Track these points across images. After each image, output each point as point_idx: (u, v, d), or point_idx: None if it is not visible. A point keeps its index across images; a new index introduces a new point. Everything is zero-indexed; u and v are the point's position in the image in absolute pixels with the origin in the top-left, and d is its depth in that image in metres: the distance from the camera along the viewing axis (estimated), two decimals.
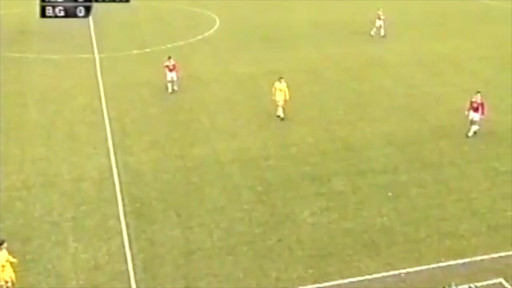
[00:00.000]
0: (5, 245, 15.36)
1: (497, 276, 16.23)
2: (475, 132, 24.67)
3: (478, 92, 24.52)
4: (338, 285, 16.05)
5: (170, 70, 28.97)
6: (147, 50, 36.39)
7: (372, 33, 39.38)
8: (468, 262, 16.90)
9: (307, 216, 19.16)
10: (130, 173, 21.85)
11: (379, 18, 39.29)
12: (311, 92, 29.73)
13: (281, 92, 25.95)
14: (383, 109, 27.71)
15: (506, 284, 15.98)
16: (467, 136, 24.56)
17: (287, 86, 26.08)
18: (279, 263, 16.96)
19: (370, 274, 16.42)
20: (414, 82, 31.36)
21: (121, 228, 18.53)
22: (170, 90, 29.14)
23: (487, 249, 17.45)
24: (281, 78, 26.18)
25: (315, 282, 16.15)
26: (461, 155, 23.25)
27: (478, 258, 17.08)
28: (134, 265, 16.88)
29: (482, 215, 19.31)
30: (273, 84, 26.37)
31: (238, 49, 37.14)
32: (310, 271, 16.64)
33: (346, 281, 16.16)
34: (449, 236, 18.18)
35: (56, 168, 22.18)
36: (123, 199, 20.07)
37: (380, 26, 39.30)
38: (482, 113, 24.35)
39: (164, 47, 36.91)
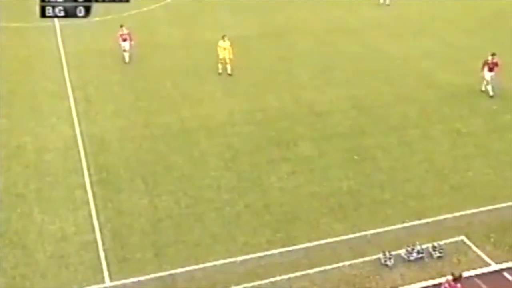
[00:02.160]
0: None
1: (459, 234, 16.72)
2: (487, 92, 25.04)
3: (494, 53, 24.75)
4: (306, 248, 16.31)
5: (124, 40, 28.12)
6: (109, 17, 35.52)
7: (381, 1, 38.79)
8: (432, 222, 17.34)
9: (274, 181, 19.30)
10: (95, 142, 21.59)
11: None
12: (277, 57, 29.61)
13: (225, 50, 26.47)
14: (348, 73, 27.80)
15: (468, 241, 16.48)
16: (490, 96, 24.86)
17: (231, 45, 26.60)
18: (247, 228, 17.11)
19: (338, 236, 16.73)
20: (378, 46, 31.47)
21: (87, 198, 18.41)
22: (127, 60, 28.41)
23: (450, 208, 17.90)
24: (224, 36, 26.63)
25: (283, 245, 16.37)
26: (425, 117, 23.60)
27: (441, 217, 17.53)
28: (102, 234, 16.84)
29: (445, 175, 19.74)
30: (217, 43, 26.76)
31: (202, 14, 36.59)
32: (278, 235, 16.86)
33: (314, 244, 16.43)
34: (413, 197, 18.57)
35: (19, 139, 21.77)
36: (89, 169, 19.88)
37: None
38: (494, 71, 24.65)
39: (126, 14, 36.09)
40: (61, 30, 33.17)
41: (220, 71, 26.92)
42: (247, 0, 39.08)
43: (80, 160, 20.38)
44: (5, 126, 22.74)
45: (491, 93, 24.92)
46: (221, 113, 23.83)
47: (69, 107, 24.19)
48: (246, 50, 28.97)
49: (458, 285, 13.41)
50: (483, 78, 25.05)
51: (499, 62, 24.61)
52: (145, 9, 37.20)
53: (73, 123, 22.87)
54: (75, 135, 21.99)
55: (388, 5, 38.55)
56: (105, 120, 23.18)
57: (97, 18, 35.19)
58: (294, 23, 34.87)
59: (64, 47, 30.75)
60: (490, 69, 24.75)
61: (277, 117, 23.47)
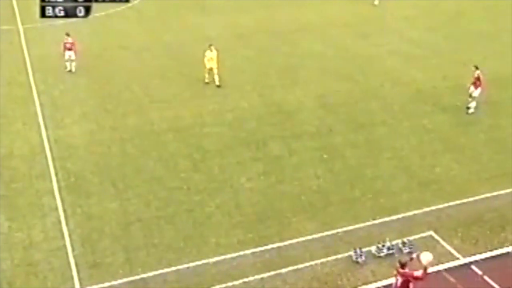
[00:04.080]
0: None
1: (428, 229, 16.99)
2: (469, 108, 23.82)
3: (476, 67, 23.45)
4: (278, 247, 16.35)
5: (69, 49, 27.19)
6: (73, 19, 35.06)
7: (376, 2, 38.81)
8: (401, 218, 17.56)
9: (245, 182, 19.31)
10: (63, 147, 21.29)
11: None
12: (243, 57, 29.66)
13: (212, 60, 25.83)
14: (314, 72, 27.99)
15: (436, 236, 16.75)
16: (467, 112, 23.65)
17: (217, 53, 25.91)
18: (219, 229, 17.09)
19: (309, 234, 16.82)
20: (342, 44, 31.76)
21: (56, 204, 18.13)
22: (68, 68, 27.40)
23: (418, 204, 18.17)
24: (211, 45, 26.00)
25: (255, 246, 16.38)
26: (392, 115, 23.90)
27: (410, 213, 17.78)
28: (71, 240, 16.61)
29: (413, 172, 20.03)
30: (204, 52, 26.08)
31: (168, 16, 36.44)
32: (250, 235, 16.87)
33: (286, 243, 16.49)
34: (383, 193, 18.79)
35: None
36: (56, 174, 19.59)
37: None
38: (477, 87, 23.30)
39: (91, 16, 35.67)
40: (24, 33, 32.64)
41: (206, 80, 26.08)
42: (212, 1, 39.05)
43: (47, 166, 20.08)
44: None
45: (471, 110, 23.70)
46: (190, 114, 23.75)
47: (35, 112, 23.81)
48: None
49: (406, 269, 13.26)
50: (469, 94, 23.69)
51: (481, 77, 23.26)
52: (111, 10, 36.82)
53: (39, 128, 22.51)
54: (42, 140, 21.65)
55: (375, 5, 38.60)
56: (72, 125, 22.88)
57: (61, 21, 34.80)
58: (258, 23, 34.94)
59: (28, 50, 30.24)
60: (474, 84, 23.40)
61: (246, 118, 23.50)
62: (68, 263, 15.81)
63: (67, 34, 27.35)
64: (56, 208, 17.95)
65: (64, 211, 17.82)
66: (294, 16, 36.45)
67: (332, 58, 29.86)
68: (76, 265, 15.72)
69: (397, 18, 36.19)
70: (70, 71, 27.41)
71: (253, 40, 32.17)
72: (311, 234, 16.84)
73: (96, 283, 15.11)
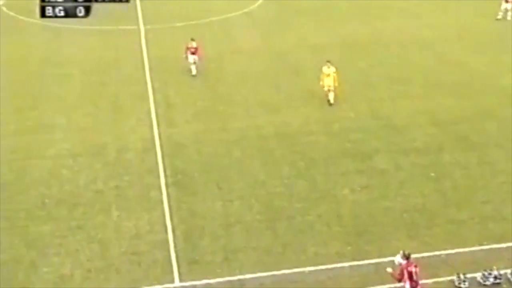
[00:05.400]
0: None
1: None
2: None
3: None
4: (376, 263, 15.99)
5: (192, 53, 27.94)
6: (192, 22, 36.42)
7: (499, 17, 37.63)
8: (511, 247, 16.59)
9: (348, 193, 19.10)
10: (173, 145, 22.11)
11: (507, 1, 37.51)
12: (354, 68, 29.33)
13: (328, 77, 25.06)
14: (426, 87, 27.16)
15: None
16: None
17: (336, 71, 25.12)
18: (318, 239, 17.00)
19: None
20: (456, 59, 30.54)
21: (162, 199, 18.85)
22: (193, 72, 28.10)
23: None
24: (328, 62, 25.35)
25: (353, 259, 16.14)
26: (508, 137, 22.65)
27: None
28: (174, 235, 17.18)
29: None
30: (321, 69, 25.41)
31: (282, 23, 36.78)
32: (349, 248, 16.65)
33: (384, 259, 16.06)
34: (492, 218, 17.85)
35: (100, 138, 22.61)
36: (165, 170, 20.36)
37: (506, 10, 37.50)
38: None
39: (207, 20, 36.93)
40: (145, 34, 34.24)
41: (329, 99, 24.94)
42: (328, 12, 38.97)
43: (157, 162, 20.92)
44: (88, 124, 23.70)
45: None
46: (297, 121, 23.85)
47: (149, 109, 24.90)
48: (322, 59, 28.75)
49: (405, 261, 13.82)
50: None
51: None
52: (226, 16, 37.86)
53: (152, 125, 23.52)
54: (153, 137, 22.60)
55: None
56: (183, 124, 23.71)
57: (180, 24, 36.32)
58: (372, 35, 34.39)
59: (147, 50, 31.70)
60: None
61: (353, 129, 23.24)
62: (170, 257, 16.37)
63: (192, 39, 28.07)
64: (162, 203, 18.66)
65: (170, 206, 18.49)
66: (406, 28, 35.55)
67: (445, 72, 28.83)
68: (177, 259, 16.23)
69: None
70: (194, 75, 28.06)
71: (364, 51, 31.75)
72: (411, 254, 16.27)
73: (195, 280, 15.51)
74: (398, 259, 14.07)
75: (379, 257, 16.20)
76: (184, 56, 28.20)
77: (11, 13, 37.90)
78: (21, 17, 36.95)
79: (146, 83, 27.55)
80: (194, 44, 28.09)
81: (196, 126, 23.53)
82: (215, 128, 23.36)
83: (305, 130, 23.18)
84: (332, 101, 25.20)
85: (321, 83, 25.20)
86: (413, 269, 13.89)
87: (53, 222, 17.72)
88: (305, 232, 17.30)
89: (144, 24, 36.03)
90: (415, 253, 16.11)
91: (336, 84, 25.02)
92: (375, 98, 26.03)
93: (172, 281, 15.55)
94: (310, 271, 15.68)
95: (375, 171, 20.39)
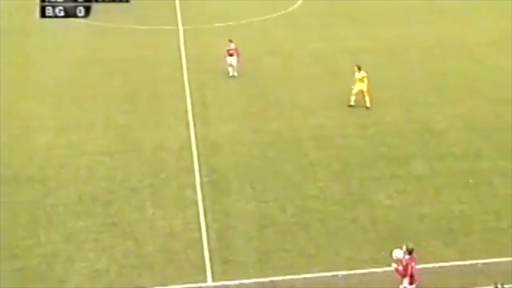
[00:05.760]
0: None
1: None
2: None
3: None
4: None
5: (230, 55, 27.88)
6: (230, 23, 36.54)
7: None
8: None
9: (383, 198, 18.90)
10: (208, 144, 22.24)
11: None
12: (391, 72, 29.01)
13: (361, 82, 24.87)
14: (464, 91, 26.69)
15: None
16: None
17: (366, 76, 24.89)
18: (352, 243, 16.88)
19: (446, 261, 16.05)
20: (494, 64, 29.88)
21: (197, 198, 18.97)
22: (231, 74, 28.08)
23: None
24: (358, 66, 25.13)
25: (388, 265, 15.85)
26: None
27: None
28: (208, 235, 17.27)
29: None
30: (353, 73, 25.23)
31: (319, 25, 36.55)
32: (383, 253, 16.39)
33: (419, 266, 15.81)
34: None
35: (137, 136, 22.88)
36: (200, 170, 20.49)
37: None
38: None
39: (246, 21, 37.00)
40: (184, 34, 34.50)
41: (352, 103, 24.77)
42: (366, 15, 38.60)
43: (192, 161, 21.07)
44: (126, 122, 24.00)
45: None
46: (333, 124, 23.72)
47: (186, 108, 25.09)
48: (359, 63, 28.53)
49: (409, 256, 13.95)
50: None
51: None
52: (265, 17, 37.86)
53: (188, 124, 23.70)
54: (189, 136, 22.77)
55: None
56: (219, 124, 23.82)
57: (218, 24, 36.48)
58: (409, 38, 33.82)
59: (185, 50, 31.93)
60: None
61: (389, 133, 22.99)
62: (203, 256, 16.46)
63: (230, 41, 28.01)
64: (197, 202, 18.78)
65: (204, 205, 18.59)
66: (445, 32, 34.91)
67: (484, 78, 28.22)
68: (210, 259, 16.31)
69: None
70: (232, 76, 28.05)
71: (403, 55, 31.36)
72: (447, 261, 16.06)
73: (227, 279, 15.56)
74: (398, 253, 14.10)
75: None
76: (224, 57, 28.15)
77: None
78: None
79: (183, 82, 27.77)
80: (232, 46, 28.06)
81: (232, 126, 23.61)
82: (251, 129, 23.41)
83: (341, 133, 23.04)
84: (368, 104, 24.98)
85: (352, 87, 25.01)
86: (413, 265, 14.00)
87: (89, 218, 18.01)
88: (339, 236, 17.19)
89: (183, 24, 36.30)
90: (451, 261, 15.99)
91: (365, 89, 24.75)
92: (413, 102, 25.70)
93: (205, 280, 15.63)
94: (343, 275, 15.57)
95: (411, 176, 20.13)
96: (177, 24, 36.41)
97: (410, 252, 14.06)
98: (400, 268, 14.07)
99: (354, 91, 24.90)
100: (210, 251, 16.62)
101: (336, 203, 18.63)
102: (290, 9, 39.84)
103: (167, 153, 21.67)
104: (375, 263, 16.07)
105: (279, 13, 38.95)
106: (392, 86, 27.32)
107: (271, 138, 22.72)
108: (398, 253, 14.17)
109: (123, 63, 30.27)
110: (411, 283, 14.12)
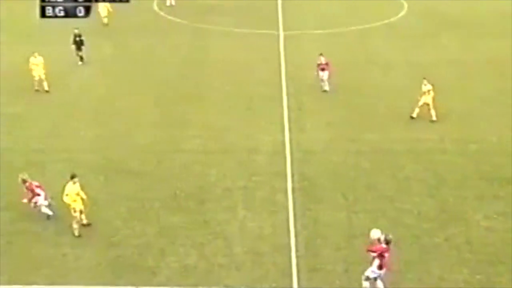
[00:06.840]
0: (76, 179, 17.07)
1: None
2: None
3: None
4: None
5: (322, 69, 26.95)
6: (330, 31, 36.41)
7: None
8: None
9: (481, 219, 18.10)
10: (302, 150, 22.21)
11: None
12: (496, 86, 27.69)
13: (427, 95, 24.19)
14: None
15: None
16: None
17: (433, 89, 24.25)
18: (445, 263, 16.28)
19: None
20: None
21: (287, 203, 18.98)
22: (323, 88, 27.20)
23: None
24: (424, 79, 24.43)
25: None
26: None
27: None
28: (296, 241, 17.23)
29: None
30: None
31: (422, 35, 35.61)
32: (478, 276, 15.77)
33: None
34: None
35: (233, 137, 23.24)
36: (292, 175, 20.50)
37: None
38: None
39: (347, 29, 36.71)
40: (284, 39, 34.70)
41: (414, 115, 24.47)
42: (471, 25, 37.18)
43: (285, 166, 21.11)
44: (222, 123, 24.43)
45: None
46: (431, 139, 23.01)
47: (282, 113, 25.19)
48: (462, 75, 27.58)
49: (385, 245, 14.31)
50: None
51: None
52: (366, 26, 37.40)
53: (283, 129, 23.79)
54: (284, 141, 22.85)
55: None
56: (314, 131, 23.73)
57: (318, 31, 36.45)
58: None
59: (285, 55, 32.10)
60: None
61: (493, 152, 21.98)
62: (290, 261, 16.45)
63: (321, 54, 27.19)
64: (287, 207, 18.80)
65: (294, 211, 18.57)
66: None
67: None
68: (297, 265, 16.28)
69: None
70: (325, 91, 27.29)
71: (508, 68, 29.85)
72: None
73: (313, 287, 15.44)
74: (377, 234, 14.54)
75: None
76: (315, 74, 27.44)
77: (161, 13, 40.09)
78: (170, 17, 39.01)
79: (281, 87, 27.92)
80: (322, 60, 27.09)
81: (327, 134, 23.46)
82: (346, 138, 23.15)
83: (440, 148, 22.31)
84: (434, 118, 24.29)
85: (418, 98, 24.43)
86: (387, 255, 14.41)
87: (182, 214, 18.48)
88: (431, 254, 16.63)
89: (284, 29, 36.55)
90: None
91: (431, 102, 24.21)
92: None
93: (290, 286, 15.61)
94: None
95: None
96: (278, 29, 36.71)
97: (387, 242, 14.45)
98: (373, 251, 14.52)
99: (419, 103, 24.37)
100: (297, 257, 16.58)
101: (430, 220, 18.04)
102: (393, 19, 39.14)
103: (262, 156, 21.86)
104: (469, 285, 15.46)
105: (381, 22, 38.35)
106: (497, 102, 26.05)
107: (367, 148, 22.36)
108: (376, 234, 14.53)
109: (221, 65, 30.81)
110: (380, 267, 14.53)
